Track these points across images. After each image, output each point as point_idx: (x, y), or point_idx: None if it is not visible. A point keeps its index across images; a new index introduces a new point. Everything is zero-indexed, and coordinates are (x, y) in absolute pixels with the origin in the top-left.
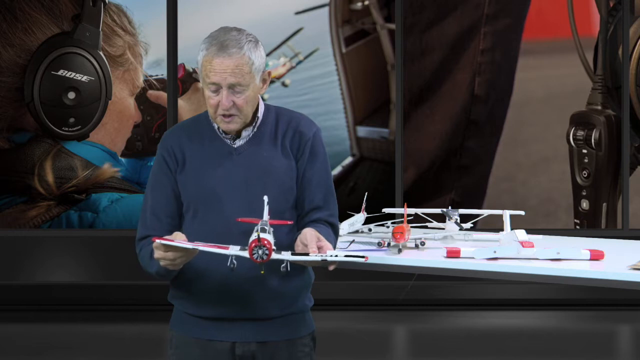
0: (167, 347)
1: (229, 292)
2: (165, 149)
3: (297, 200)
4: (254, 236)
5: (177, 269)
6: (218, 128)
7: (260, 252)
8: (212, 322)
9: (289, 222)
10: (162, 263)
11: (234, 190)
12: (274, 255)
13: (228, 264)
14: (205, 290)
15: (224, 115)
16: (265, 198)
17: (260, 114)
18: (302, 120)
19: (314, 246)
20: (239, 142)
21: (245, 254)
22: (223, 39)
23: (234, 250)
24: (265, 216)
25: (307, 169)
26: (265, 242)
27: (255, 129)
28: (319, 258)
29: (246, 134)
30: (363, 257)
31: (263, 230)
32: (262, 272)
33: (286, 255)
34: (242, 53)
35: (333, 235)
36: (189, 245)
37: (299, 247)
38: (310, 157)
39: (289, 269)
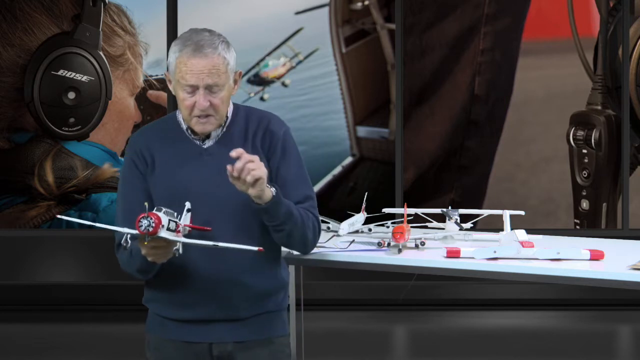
0: (145, 350)
1: (206, 294)
2: (134, 152)
3: None
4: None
5: (161, 261)
6: (187, 129)
7: (145, 222)
8: (188, 324)
9: (207, 229)
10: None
11: (205, 191)
12: (163, 233)
13: (127, 242)
14: (181, 292)
15: (199, 117)
16: (188, 204)
17: (229, 114)
18: (272, 120)
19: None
20: (208, 143)
21: (135, 231)
22: (197, 40)
23: (129, 230)
24: (183, 220)
25: (280, 167)
26: (154, 216)
27: (225, 129)
28: (210, 243)
29: (215, 134)
30: (257, 248)
31: (159, 210)
32: (145, 242)
33: (173, 237)
34: (217, 53)
35: (313, 218)
36: (89, 223)
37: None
38: (282, 155)
39: (180, 251)
